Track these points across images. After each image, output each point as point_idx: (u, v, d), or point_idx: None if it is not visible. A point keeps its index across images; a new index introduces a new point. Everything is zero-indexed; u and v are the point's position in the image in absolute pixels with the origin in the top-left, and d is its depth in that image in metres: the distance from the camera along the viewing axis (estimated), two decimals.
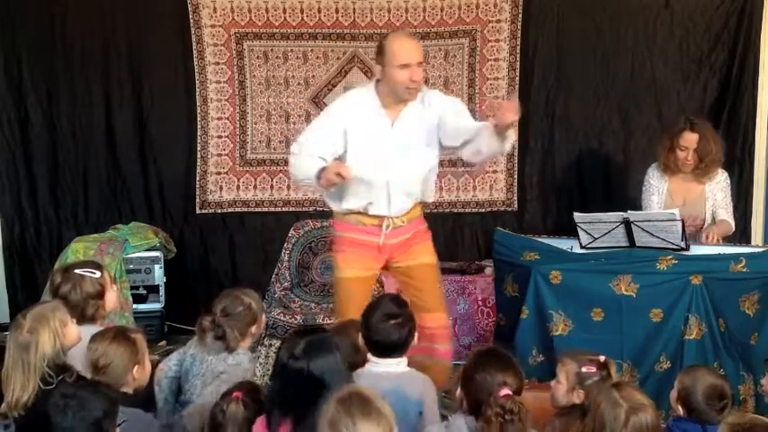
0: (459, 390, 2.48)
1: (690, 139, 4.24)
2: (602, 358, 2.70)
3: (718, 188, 4.33)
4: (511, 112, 3.31)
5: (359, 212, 3.59)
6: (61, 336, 2.72)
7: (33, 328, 2.68)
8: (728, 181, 4.40)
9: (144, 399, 2.91)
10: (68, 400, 2.17)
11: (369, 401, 2.05)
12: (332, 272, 3.83)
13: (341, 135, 3.52)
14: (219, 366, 3.02)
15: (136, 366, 2.72)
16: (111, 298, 3.19)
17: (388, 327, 2.85)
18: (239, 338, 3.07)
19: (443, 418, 2.88)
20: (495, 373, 2.40)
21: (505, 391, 2.31)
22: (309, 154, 3.48)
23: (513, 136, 3.52)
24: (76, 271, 3.12)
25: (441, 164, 5.33)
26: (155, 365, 3.89)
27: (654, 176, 4.43)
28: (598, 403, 2.41)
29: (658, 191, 4.39)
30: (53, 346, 2.68)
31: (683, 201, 4.31)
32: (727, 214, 4.34)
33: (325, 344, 2.45)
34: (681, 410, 2.72)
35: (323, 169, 3.36)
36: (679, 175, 4.34)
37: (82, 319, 3.06)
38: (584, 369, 2.66)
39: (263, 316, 3.27)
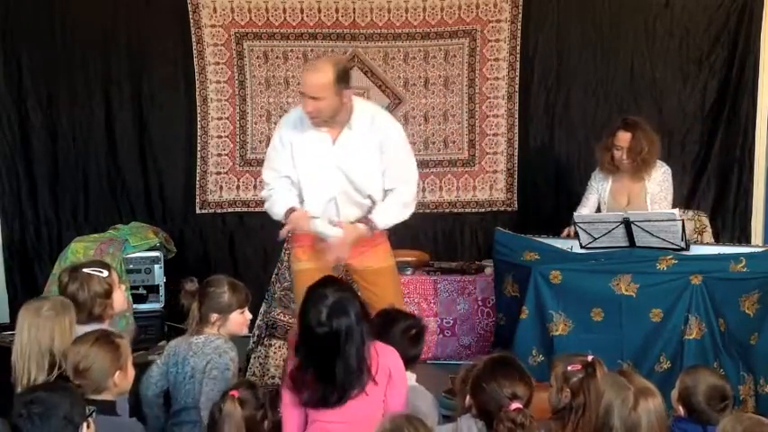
0: (467, 397, 2.47)
1: (623, 138, 4.28)
2: (589, 358, 2.69)
3: (654, 183, 4.35)
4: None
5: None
6: (71, 330, 2.74)
7: (52, 315, 2.74)
8: (668, 175, 4.38)
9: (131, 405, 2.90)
10: (31, 407, 2.11)
11: (428, 428, 2.24)
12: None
13: (289, 151, 3.60)
14: (202, 362, 3.01)
15: (117, 372, 2.64)
16: (119, 298, 3.19)
17: (408, 341, 2.91)
18: (196, 319, 3.07)
19: (445, 418, 2.88)
20: (505, 384, 2.40)
21: (516, 405, 2.31)
22: (276, 193, 3.62)
23: (392, 221, 3.63)
24: (84, 270, 3.12)
25: (440, 163, 5.44)
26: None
27: (596, 178, 4.50)
28: (602, 390, 2.41)
29: (597, 191, 4.47)
30: (68, 336, 2.71)
31: (626, 199, 4.37)
32: (659, 209, 4.34)
33: (346, 305, 2.63)
34: (681, 410, 2.72)
35: (291, 210, 3.54)
36: (620, 175, 4.37)
37: (89, 318, 3.06)
38: (569, 368, 2.66)
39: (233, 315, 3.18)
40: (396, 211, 3.60)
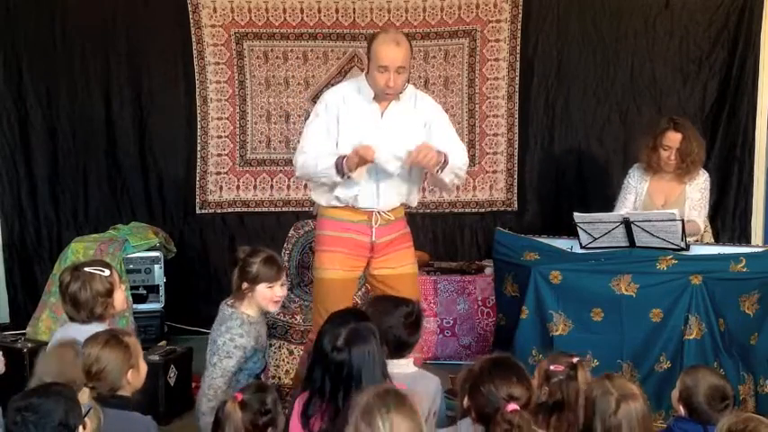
0: (465, 398, 2.45)
1: (673, 138, 4.26)
2: (575, 359, 2.69)
3: (696, 188, 4.34)
4: (422, 156, 3.39)
5: (346, 207, 3.57)
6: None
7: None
8: (708, 183, 4.40)
9: (143, 402, 2.88)
10: (24, 413, 2.09)
11: (404, 397, 2.10)
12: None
13: (335, 122, 3.55)
14: (214, 336, 3.05)
15: (130, 370, 2.66)
16: (120, 297, 3.18)
17: (408, 327, 2.87)
18: (234, 289, 3.11)
19: (447, 419, 2.88)
20: (501, 386, 2.34)
21: (512, 406, 2.26)
22: (317, 152, 3.52)
23: (449, 175, 3.56)
24: (86, 269, 3.11)
25: None
26: (155, 366, 3.93)
27: (634, 177, 4.46)
28: (590, 392, 2.42)
29: (636, 191, 4.43)
30: None
31: (663, 201, 4.34)
32: (698, 215, 4.33)
33: (365, 333, 2.51)
34: (682, 410, 2.72)
35: (343, 157, 3.41)
36: (660, 175, 4.35)
37: (90, 317, 3.06)
38: (551, 367, 2.66)
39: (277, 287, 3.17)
40: (460, 161, 3.58)
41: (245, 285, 3.12)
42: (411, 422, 2.02)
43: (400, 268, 3.63)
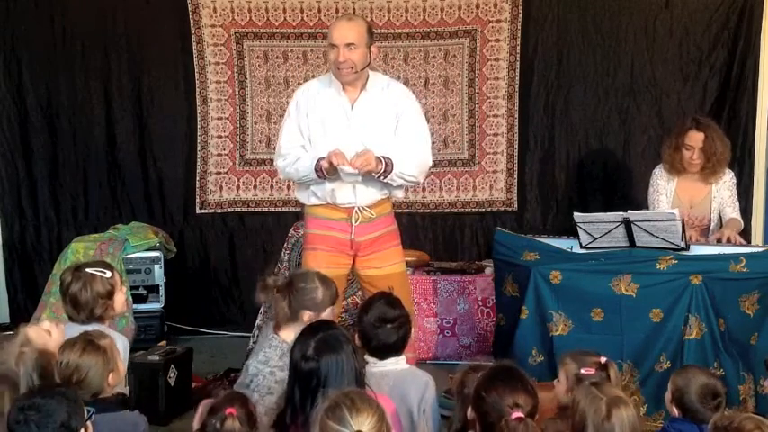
0: (469, 410, 2.42)
1: (696, 138, 4.24)
2: (603, 359, 2.68)
3: (724, 187, 4.34)
4: (358, 163, 3.37)
5: (327, 205, 3.58)
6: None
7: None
8: (734, 180, 4.41)
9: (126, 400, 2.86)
10: (28, 413, 2.08)
11: (368, 396, 2.13)
12: None
13: (305, 119, 3.57)
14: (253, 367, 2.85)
15: (110, 373, 2.63)
16: (120, 299, 3.17)
17: (386, 331, 2.81)
18: (283, 318, 2.87)
19: (444, 418, 2.88)
20: (506, 394, 2.28)
21: (517, 414, 2.22)
22: (296, 154, 3.55)
23: (397, 180, 3.53)
24: (87, 270, 3.11)
25: (440, 163, 5.44)
26: (155, 366, 3.93)
27: (662, 177, 4.42)
28: (577, 400, 2.37)
29: (666, 191, 4.40)
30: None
31: (689, 202, 4.33)
32: (734, 212, 4.35)
33: (334, 342, 2.43)
34: (676, 411, 2.72)
35: (321, 159, 3.43)
36: (686, 175, 4.34)
37: (90, 318, 3.05)
38: (583, 371, 2.64)
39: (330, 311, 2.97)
40: (412, 163, 3.55)
41: (308, 314, 2.88)
42: (375, 415, 2.01)
43: (386, 268, 3.61)
